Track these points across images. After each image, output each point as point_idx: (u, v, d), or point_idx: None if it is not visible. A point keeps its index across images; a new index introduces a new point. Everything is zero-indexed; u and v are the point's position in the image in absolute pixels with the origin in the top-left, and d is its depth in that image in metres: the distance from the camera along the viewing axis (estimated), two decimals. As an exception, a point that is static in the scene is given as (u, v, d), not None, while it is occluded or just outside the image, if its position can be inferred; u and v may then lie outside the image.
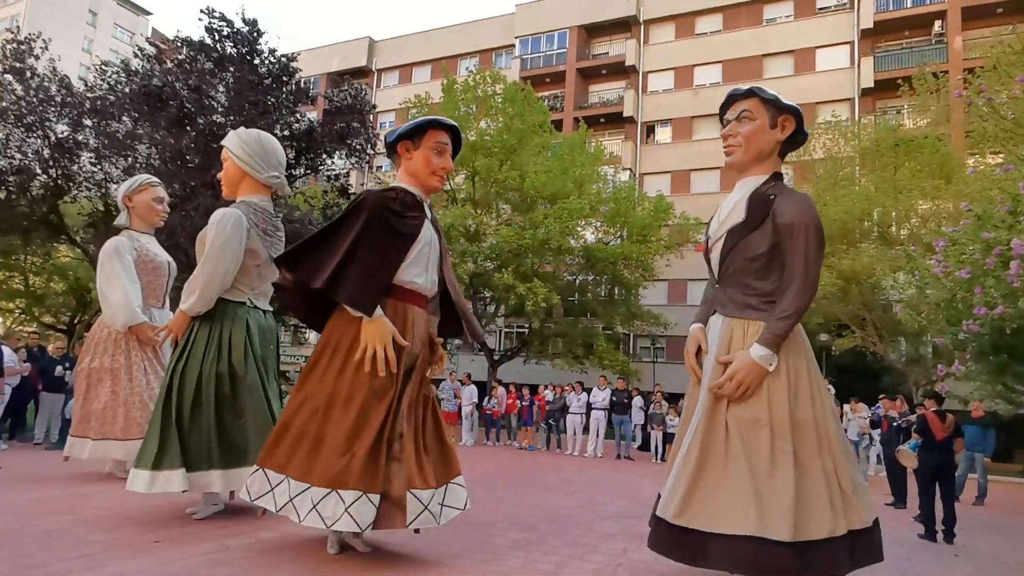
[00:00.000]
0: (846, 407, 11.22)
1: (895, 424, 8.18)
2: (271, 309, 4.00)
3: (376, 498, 2.65)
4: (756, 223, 2.57)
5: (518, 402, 13.95)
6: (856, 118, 21.28)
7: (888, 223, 16.14)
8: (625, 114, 26.90)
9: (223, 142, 3.93)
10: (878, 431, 9.98)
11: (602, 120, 27.54)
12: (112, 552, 2.80)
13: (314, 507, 2.62)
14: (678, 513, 2.49)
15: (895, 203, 15.13)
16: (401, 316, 2.91)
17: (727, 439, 2.48)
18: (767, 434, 2.42)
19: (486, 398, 14.41)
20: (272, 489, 2.76)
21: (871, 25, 23.68)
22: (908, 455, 5.72)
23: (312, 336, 27.03)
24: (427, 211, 3.09)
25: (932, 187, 14.67)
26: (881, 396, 10.13)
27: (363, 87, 16.45)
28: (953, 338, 7.86)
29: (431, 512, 2.76)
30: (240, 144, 3.82)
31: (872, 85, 22.94)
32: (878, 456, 10.36)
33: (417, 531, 2.89)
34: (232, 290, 3.70)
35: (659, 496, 2.72)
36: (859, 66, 23.61)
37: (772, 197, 2.62)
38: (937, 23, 23.43)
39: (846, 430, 10.77)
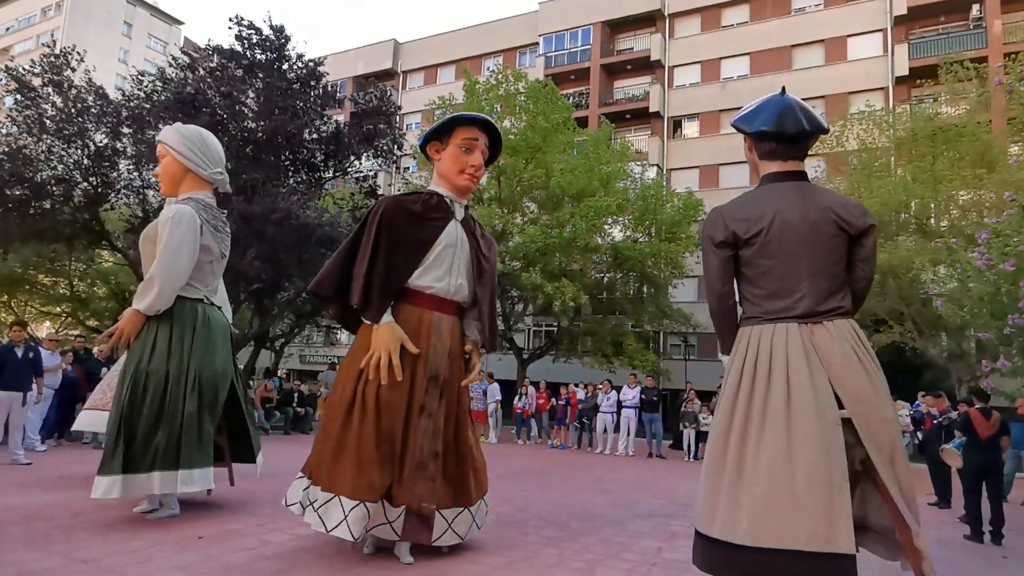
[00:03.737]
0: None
1: (937, 422, 7.94)
2: (219, 305, 3.93)
3: (373, 507, 2.67)
4: None
5: (553, 400, 13.98)
6: (891, 107, 20.68)
7: (927, 215, 15.64)
8: (651, 109, 26.63)
9: (159, 137, 3.84)
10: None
11: (628, 116, 27.30)
12: (158, 547, 2.88)
13: (316, 511, 2.73)
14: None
15: (934, 194, 14.65)
16: (415, 321, 2.81)
17: None
18: None
19: (516, 396, 14.43)
20: (300, 493, 2.92)
21: (904, 11, 23.00)
22: (952, 454, 5.54)
23: (344, 336, 27.41)
24: (458, 212, 3.00)
25: (973, 176, 14.16)
26: (922, 393, 9.83)
27: (389, 89, 16.60)
28: (998, 333, 7.61)
29: (455, 531, 2.88)
30: (182, 140, 3.72)
31: (907, 73, 22.28)
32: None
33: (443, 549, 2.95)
34: (187, 287, 3.62)
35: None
36: (893, 54, 22.95)
37: None
38: (975, 7, 22.63)
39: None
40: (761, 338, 2.55)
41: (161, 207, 12.76)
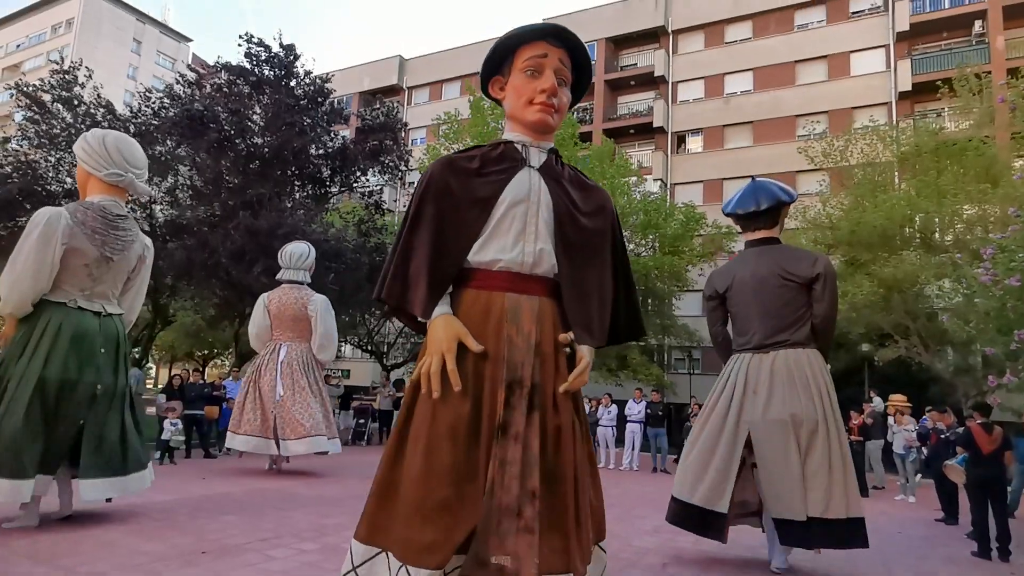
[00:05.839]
0: (889, 419, 10.84)
1: (943, 437, 7.89)
2: (110, 312, 3.78)
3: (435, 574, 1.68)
4: None
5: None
6: (894, 122, 20.75)
7: (931, 229, 15.60)
8: (655, 124, 26.78)
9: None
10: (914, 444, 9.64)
11: (632, 131, 27.46)
12: (163, 562, 2.89)
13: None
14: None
15: (938, 208, 14.62)
16: (481, 309, 1.94)
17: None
18: None
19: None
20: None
21: (907, 27, 23.15)
22: (956, 470, 5.51)
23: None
24: (533, 158, 2.10)
25: (978, 191, 14.14)
26: (928, 408, 9.77)
27: (395, 105, 16.76)
28: (1004, 348, 7.57)
29: None
30: (81, 144, 3.77)
31: (909, 88, 22.39)
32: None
33: None
34: (56, 290, 3.54)
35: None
36: (895, 69, 23.06)
37: None
38: (977, 23, 22.76)
39: (891, 442, 10.39)
40: (732, 363, 3.73)
41: (167, 221, 12.89)
